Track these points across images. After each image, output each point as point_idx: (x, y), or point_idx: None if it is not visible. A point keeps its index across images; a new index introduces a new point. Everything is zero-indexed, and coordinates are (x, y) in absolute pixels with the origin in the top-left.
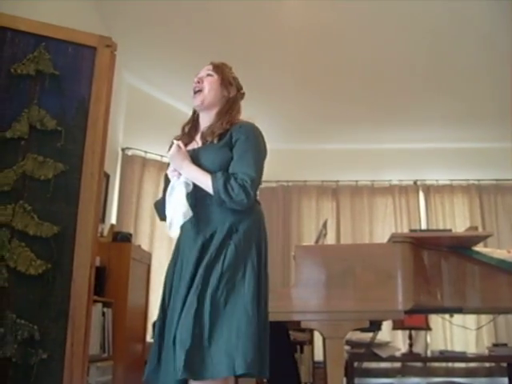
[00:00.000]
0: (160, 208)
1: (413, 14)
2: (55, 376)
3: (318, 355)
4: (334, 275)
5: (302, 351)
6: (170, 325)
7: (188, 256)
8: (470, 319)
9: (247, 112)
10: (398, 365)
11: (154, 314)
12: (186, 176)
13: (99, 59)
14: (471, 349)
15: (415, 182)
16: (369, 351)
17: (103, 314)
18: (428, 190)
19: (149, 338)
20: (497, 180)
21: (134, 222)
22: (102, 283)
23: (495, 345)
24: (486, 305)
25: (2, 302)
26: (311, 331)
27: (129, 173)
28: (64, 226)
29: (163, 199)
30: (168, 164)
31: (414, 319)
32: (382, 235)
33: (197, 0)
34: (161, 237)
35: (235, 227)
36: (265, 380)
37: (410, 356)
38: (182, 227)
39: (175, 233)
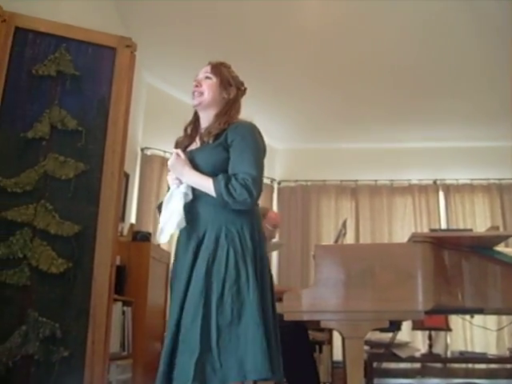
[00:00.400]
0: (161, 210)
1: (430, 13)
2: (76, 373)
3: (337, 355)
4: (354, 275)
5: (320, 351)
6: (168, 328)
7: (182, 259)
8: (491, 320)
9: (266, 112)
10: (417, 365)
11: None
12: (187, 182)
13: (119, 59)
14: (492, 350)
15: (435, 182)
16: (388, 351)
17: (123, 312)
18: (448, 189)
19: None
20: None
21: (153, 222)
22: (122, 282)
23: None
24: (507, 305)
25: (25, 300)
26: (330, 331)
27: (148, 172)
28: (85, 225)
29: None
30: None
31: (434, 320)
32: (401, 235)
33: (215, 0)
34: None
35: (227, 227)
36: (284, 380)
37: (430, 357)
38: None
39: (165, 240)
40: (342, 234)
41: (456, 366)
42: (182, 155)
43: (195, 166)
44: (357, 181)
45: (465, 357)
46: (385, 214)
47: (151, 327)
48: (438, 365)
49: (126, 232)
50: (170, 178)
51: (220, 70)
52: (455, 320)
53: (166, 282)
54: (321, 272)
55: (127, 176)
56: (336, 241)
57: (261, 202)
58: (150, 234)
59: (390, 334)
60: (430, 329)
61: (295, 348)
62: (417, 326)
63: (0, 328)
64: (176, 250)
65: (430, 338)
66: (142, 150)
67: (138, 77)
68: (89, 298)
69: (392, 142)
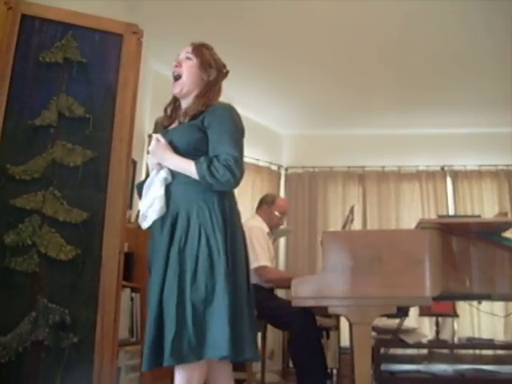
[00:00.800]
0: (140, 190)
1: (437, 2)
2: (86, 359)
3: (345, 341)
4: (362, 261)
5: (328, 337)
6: (149, 302)
7: (158, 238)
8: (499, 306)
9: (273, 98)
10: (424, 351)
11: None
12: (169, 166)
13: (126, 46)
14: (499, 336)
15: (442, 168)
16: (395, 337)
17: (131, 299)
18: (456, 175)
19: None
20: None
21: None
22: (130, 269)
23: None
24: None
25: (34, 286)
26: (337, 317)
27: None
28: (93, 212)
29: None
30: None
31: (441, 306)
32: (408, 221)
33: None
34: None
35: (198, 205)
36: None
37: (437, 343)
38: None
39: (147, 225)
40: (349, 220)
41: (463, 352)
42: (163, 140)
43: (170, 144)
44: (364, 167)
45: (472, 343)
46: (392, 200)
47: None
48: (445, 351)
49: (133, 219)
50: (151, 163)
51: (201, 51)
52: (462, 306)
53: None
54: (328, 258)
55: (134, 163)
56: (343, 227)
57: (268, 189)
58: None
59: (397, 320)
60: (437, 315)
61: (303, 334)
62: (424, 312)
63: (10, 314)
64: (152, 229)
65: (437, 324)
66: (149, 136)
67: (145, 64)
68: (97, 284)
69: (399, 127)
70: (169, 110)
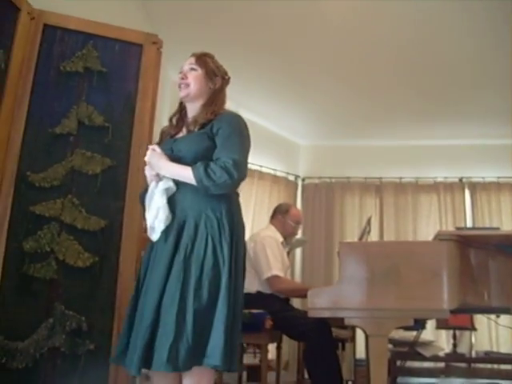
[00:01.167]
0: (143, 200)
1: (452, 10)
2: (102, 366)
3: (360, 353)
4: (379, 272)
5: (343, 348)
6: (142, 309)
7: (162, 245)
8: None
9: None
10: (441, 365)
11: None
12: (166, 174)
13: (145, 56)
14: None
15: (461, 180)
16: (412, 350)
17: None
18: (474, 187)
19: None
20: None
21: None
22: None
23: None
24: None
25: (52, 293)
26: (353, 328)
27: None
28: (111, 220)
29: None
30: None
31: (459, 319)
32: (426, 233)
33: None
34: None
35: (206, 214)
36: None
37: (454, 356)
38: None
39: (156, 237)
40: (366, 231)
41: (481, 366)
42: (158, 149)
43: (178, 153)
44: (381, 178)
45: (490, 357)
46: (410, 211)
47: None
48: (463, 364)
49: None
50: (149, 174)
51: (205, 60)
52: (480, 319)
53: None
54: (345, 269)
55: None
56: (360, 238)
57: (285, 199)
58: None
59: (414, 333)
60: (454, 328)
61: (318, 345)
62: (441, 324)
63: (28, 320)
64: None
65: (454, 337)
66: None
67: (164, 74)
68: (114, 291)
69: (417, 139)
70: (174, 120)
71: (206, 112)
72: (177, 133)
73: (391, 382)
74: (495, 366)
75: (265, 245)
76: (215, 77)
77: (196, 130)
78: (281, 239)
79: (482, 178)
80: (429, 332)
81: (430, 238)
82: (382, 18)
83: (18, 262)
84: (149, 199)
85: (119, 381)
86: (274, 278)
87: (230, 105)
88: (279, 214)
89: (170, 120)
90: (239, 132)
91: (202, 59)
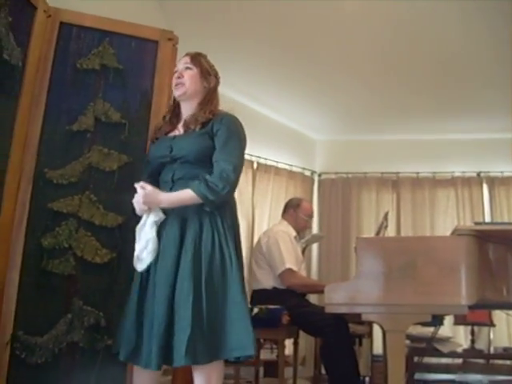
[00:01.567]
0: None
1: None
2: (120, 361)
3: (377, 349)
4: (396, 268)
5: (360, 344)
6: (152, 306)
7: (166, 240)
8: None
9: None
10: (459, 361)
11: None
12: (167, 206)
13: (161, 53)
14: None
15: (479, 174)
16: (430, 346)
17: None
18: (492, 182)
19: None
20: None
21: None
22: None
23: None
24: None
25: (70, 289)
26: (370, 324)
27: None
28: (128, 216)
29: None
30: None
31: (477, 314)
32: (443, 228)
33: None
34: None
35: (212, 212)
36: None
37: (472, 352)
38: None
39: (142, 268)
40: (383, 226)
41: (499, 362)
42: (148, 186)
43: (179, 151)
44: (398, 173)
45: (508, 353)
46: (427, 207)
47: None
48: (481, 361)
49: None
50: (139, 209)
51: (199, 60)
52: (499, 315)
53: None
54: (362, 264)
55: None
56: (377, 233)
57: (301, 195)
58: None
59: (432, 329)
60: (472, 324)
61: (336, 341)
62: (459, 320)
63: (47, 316)
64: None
65: (472, 333)
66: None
67: None
68: (131, 287)
69: (434, 133)
70: (168, 117)
71: (205, 111)
72: (171, 130)
73: (409, 378)
74: None
75: (278, 239)
76: (209, 76)
77: (197, 129)
78: (294, 234)
79: (501, 172)
80: (447, 328)
81: (448, 233)
82: (397, 14)
83: (37, 258)
84: (139, 230)
85: None
86: (287, 272)
87: (246, 100)
88: (291, 209)
89: (164, 118)
90: (237, 136)
91: (197, 58)
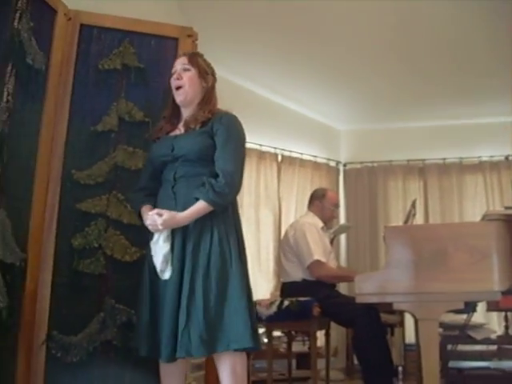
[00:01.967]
0: (133, 200)
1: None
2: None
3: (409, 338)
4: (426, 256)
5: (392, 334)
6: (163, 300)
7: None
8: None
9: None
10: (493, 348)
11: None
12: (186, 223)
13: (181, 49)
14: None
15: (507, 158)
16: (463, 334)
17: None
18: None
19: None
20: None
21: None
22: None
23: None
24: None
25: (102, 288)
26: (401, 313)
27: None
28: None
29: (138, 192)
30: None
31: (510, 300)
32: (472, 214)
33: None
34: (248, 222)
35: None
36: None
37: (506, 338)
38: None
39: (168, 275)
40: (411, 214)
41: None
42: (165, 212)
43: (180, 150)
44: (424, 160)
45: None
46: (455, 193)
47: None
48: None
49: None
50: (153, 229)
51: (197, 60)
52: None
53: None
54: (392, 254)
55: None
56: (406, 222)
57: (326, 186)
58: None
59: (465, 316)
60: (506, 310)
61: (367, 331)
62: (492, 307)
63: (80, 315)
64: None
65: (506, 319)
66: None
67: None
68: None
69: (460, 118)
70: (167, 116)
71: (204, 110)
72: (172, 130)
73: (443, 366)
74: None
75: (305, 231)
76: (207, 75)
77: (197, 128)
78: (321, 224)
79: None
80: (480, 315)
81: (477, 219)
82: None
83: (68, 258)
84: (153, 245)
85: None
86: (315, 263)
87: (268, 93)
88: (316, 200)
89: (164, 117)
90: (237, 135)
91: (194, 58)
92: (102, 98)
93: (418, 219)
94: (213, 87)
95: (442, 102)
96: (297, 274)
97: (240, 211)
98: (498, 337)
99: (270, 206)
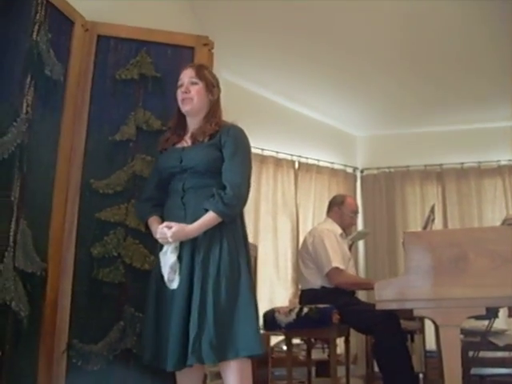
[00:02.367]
0: (140, 210)
1: None
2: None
3: (430, 344)
4: (446, 261)
5: (412, 340)
6: (170, 309)
7: (183, 252)
8: None
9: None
10: None
11: (262, 306)
12: (196, 235)
13: (197, 58)
14: None
15: None
16: (485, 340)
17: None
18: None
19: None
20: None
21: None
22: None
23: None
24: None
25: (121, 296)
26: (422, 320)
27: None
28: None
29: (145, 203)
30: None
31: None
32: (492, 219)
33: None
34: (265, 229)
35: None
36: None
37: None
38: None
39: (175, 286)
40: (430, 219)
41: None
42: (173, 224)
43: (189, 162)
44: (442, 165)
45: None
46: (473, 197)
47: None
48: None
49: None
50: (162, 241)
51: (204, 73)
52: None
53: (254, 274)
54: (411, 259)
55: None
56: (425, 227)
57: (344, 192)
58: None
59: (486, 322)
60: None
61: (388, 338)
62: None
63: (100, 324)
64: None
65: None
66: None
67: (216, 74)
68: None
69: (477, 122)
70: (173, 127)
71: (211, 123)
72: (178, 141)
73: (464, 373)
74: None
75: (323, 238)
76: (213, 88)
77: (206, 140)
78: (339, 231)
79: None
80: (501, 320)
81: (497, 223)
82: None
83: (88, 267)
84: (162, 256)
85: None
86: (334, 271)
87: (283, 100)
88: (335, 206)
89: (170, 128)
90: (244, 147)
91: (202, 71)
92: (120, 108)
93: (437, 224)
94: (218, 99)
95: (459, 107)
96: (316, 282)
97: (257, 219)
98: None
99: (288, 213)
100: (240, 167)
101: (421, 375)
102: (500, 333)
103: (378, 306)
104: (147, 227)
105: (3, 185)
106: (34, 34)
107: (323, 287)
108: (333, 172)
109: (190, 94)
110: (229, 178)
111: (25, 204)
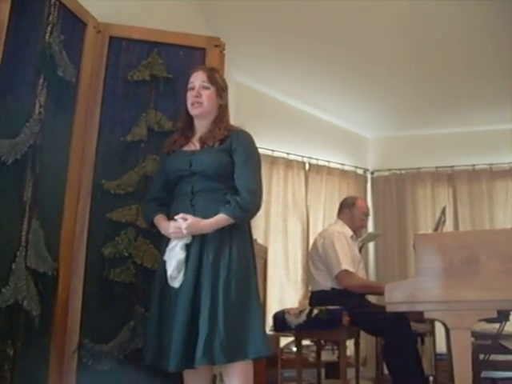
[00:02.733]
0: (146, 210)
1: None
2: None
3: (440, 347)
4: (457, 263)
5: (422, 343)
6: (174, 310)
7: (190, 252)
8: None
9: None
10: None
11: (272, 307)
12: (208, 231)
13: (209, 59)
14: None
15: None
16: (496, 343)
17: None
18: None
19: (268, 331)
20: None
21: None
22: None
23: None
24: None
25: (132, 296)
26: (432, 322)
27: None
28: None
29: (151, 202)
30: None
31: None
32: (503, 221)
33: None
34: (276, 231)
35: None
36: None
37: None
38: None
39: (178, 284)
40: (441, 221)
41: None
42: (189, 217)
43: (199, 166)
44: (453, 167)
45: None
46: (485, 199)
47: None
48: None
49: None
50: (174, 236)
51: (215, 77)
52: None
53: (264, 277)
54: (422, 261)
55: None
56: (436, 229)
57: (354, 194)
58: None
59: (497, 325)
60: None
61: (398, 340)
62: None
63: (110, 324)
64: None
65: None
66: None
67: (227, 76)
68: None
69: (489, 124)
70: (181, 128)
71: (220, 128)
72: (185, 143)
73: (475, 376)
74: None
75: (333, 240)
76: (223, 92)
77: (216, 145)
78: (350, 233)
79: None
80: None
81: (509, 225)
82: (447, 5)
83: (99, 267)
84: (169, 251)
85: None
86: (343, 273)
87: (295, 101)
88: (346, 208)
89: (178, 130)
90: (255, 153)
91: (213, 75)
92: (132, 109)
93: (448, 227)
94: (227, 103)
95: (470, 108)
96: (326, 283)
97: (268, 220)
98: None
99: (298, 214)
100: (253, 173)
101: (431, 378)
102: (511, 336)
103: (388, 308)
104: (152, 226)
105: (16, 185)
106: (47, 35)
107: (333, 289)
108: (343, 173)
109: (200, 99)
110: (243, 183)
111: (37, 204)
